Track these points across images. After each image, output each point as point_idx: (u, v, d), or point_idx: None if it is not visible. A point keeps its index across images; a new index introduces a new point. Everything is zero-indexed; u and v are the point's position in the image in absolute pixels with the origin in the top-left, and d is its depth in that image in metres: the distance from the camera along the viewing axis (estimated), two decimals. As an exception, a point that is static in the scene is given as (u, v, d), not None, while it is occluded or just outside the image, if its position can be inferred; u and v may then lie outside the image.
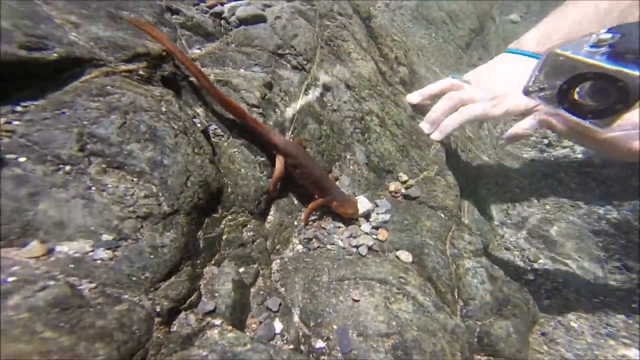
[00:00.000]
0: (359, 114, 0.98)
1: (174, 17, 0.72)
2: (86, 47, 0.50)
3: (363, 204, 0.82)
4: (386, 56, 1.27)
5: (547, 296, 1.14)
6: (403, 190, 0.93)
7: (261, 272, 0.67)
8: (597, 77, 0.64)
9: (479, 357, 0.77)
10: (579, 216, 1.40)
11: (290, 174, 0.76)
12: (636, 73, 0.59)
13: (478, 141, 1.65)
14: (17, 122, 0.44)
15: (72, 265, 0.46)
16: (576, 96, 0.69)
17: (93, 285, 0.46)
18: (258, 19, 0.86)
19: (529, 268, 1.22)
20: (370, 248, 0.76)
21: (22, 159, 0.44)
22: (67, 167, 0.46)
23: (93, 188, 0.48)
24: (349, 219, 0.81)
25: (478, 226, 1.22)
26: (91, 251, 0.47)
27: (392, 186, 0.93)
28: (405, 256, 0.77)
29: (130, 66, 0.54)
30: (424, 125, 1.12)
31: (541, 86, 0.74)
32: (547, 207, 1.45)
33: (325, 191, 0.78)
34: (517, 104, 1.01)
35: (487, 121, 1.77)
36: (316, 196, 0.79)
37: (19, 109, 0.44)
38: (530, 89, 0.75)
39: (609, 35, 0.63)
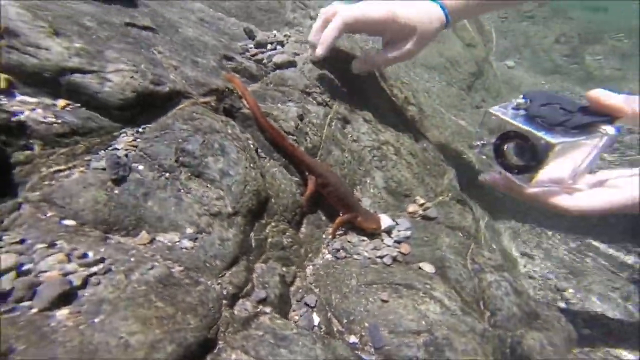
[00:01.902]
0: (377, 144, 1.25)
1: (228, 62, 1.02)
2: (180, 83, 0.77)
3: (385, 220, 1.04)
4: (396, 96, 1.59)
5: (585, 325, 1.21)
6: (421, 212, 1.15)
7: (298, 274, 0.86)
8: (516, 136, 0.84)
9: (514, 369, 0.89)
10: (603, 252, 1.57)
11: (320, 193, 0.99)
12: (540, 134, 0.78)
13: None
14: (139, 140, 0.69)
15: (167, 252, 0.66)
16: (506, 153, 0.88)
17: (181, 268, 0.66)
18: (290, 64, 1.18)
19: (558, 297, 1.35)
20: (394, 259, 0.95)
21: (140, 167, 0.67)
22: (167, 174, 0.70)
23: (182, 190, 0.71)
24: (372, 234, 1.02)
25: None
26: (178, 241, 0.68)
27: (411, 208, 1.15)
28: (429, 268, 0.96)
29: (207, 99, 0.81)
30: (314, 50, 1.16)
31: (483, 142, 0.94)
32: (569, 242, 1.64)
33: (350, 208, 1.00)
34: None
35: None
36: (341, 213, 1.01)
37: (140, 129, 0.69)
38: (474, 143, 0.96)
39: (523, 100, 0.86)
